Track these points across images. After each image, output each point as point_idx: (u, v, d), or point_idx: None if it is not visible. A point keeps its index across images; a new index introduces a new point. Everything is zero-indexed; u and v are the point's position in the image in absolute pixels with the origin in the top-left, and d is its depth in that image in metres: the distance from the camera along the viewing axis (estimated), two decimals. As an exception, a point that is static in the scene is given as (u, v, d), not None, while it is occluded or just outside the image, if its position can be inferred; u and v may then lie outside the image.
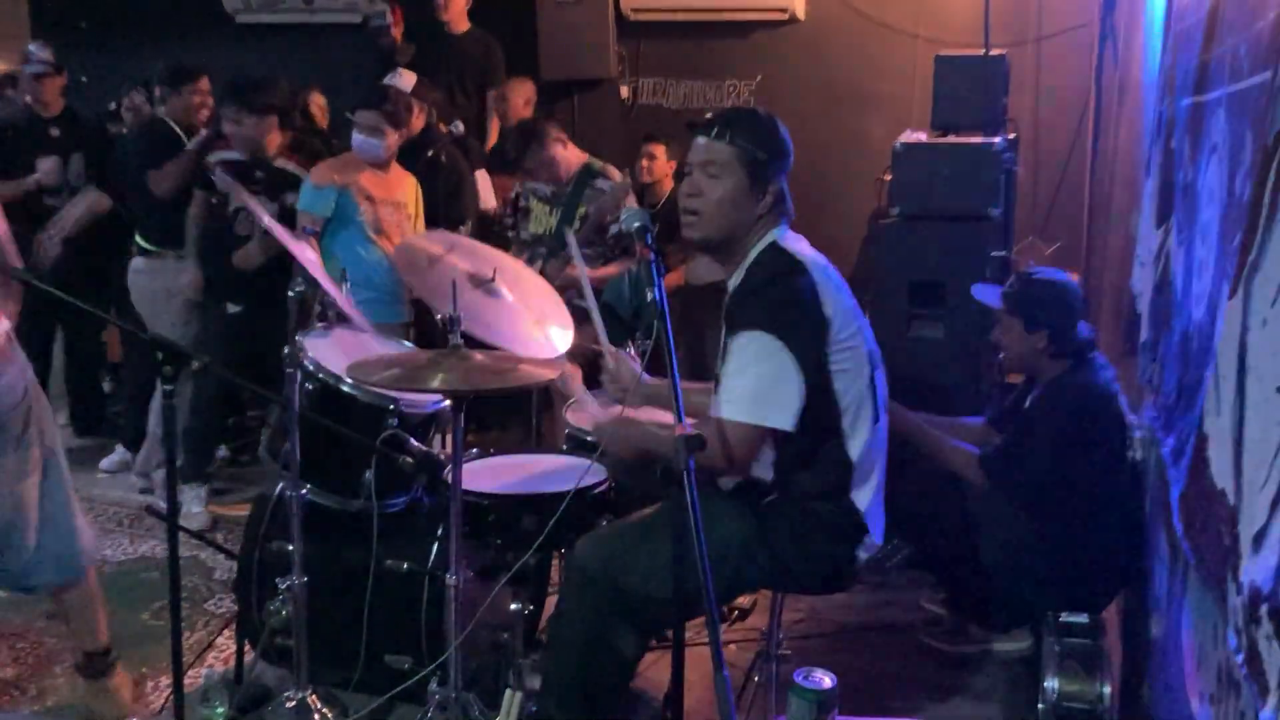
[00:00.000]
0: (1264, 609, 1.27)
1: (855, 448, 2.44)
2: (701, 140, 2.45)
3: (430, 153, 4.81)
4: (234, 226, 4.44)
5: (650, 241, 2.22)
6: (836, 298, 2.42)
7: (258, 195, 4.43)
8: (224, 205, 4.46)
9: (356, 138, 4.35)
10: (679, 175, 3.12)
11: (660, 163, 5.19)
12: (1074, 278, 3.35)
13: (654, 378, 2.73)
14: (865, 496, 2.47)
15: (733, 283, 2.50)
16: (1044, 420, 3.07)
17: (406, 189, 4.51)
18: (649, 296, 2.08)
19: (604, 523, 2.73)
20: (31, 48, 5.20)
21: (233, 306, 4.50)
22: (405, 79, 5.00)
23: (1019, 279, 3.23)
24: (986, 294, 3.38)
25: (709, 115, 2.52)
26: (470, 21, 5.78)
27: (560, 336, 2.82)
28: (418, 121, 4.85)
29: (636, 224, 2.25)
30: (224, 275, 4.48)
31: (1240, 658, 1.36)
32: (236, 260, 4.38)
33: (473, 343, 2.56)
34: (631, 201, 4.45)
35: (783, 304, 2.35)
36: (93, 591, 2.97)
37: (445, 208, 4.70)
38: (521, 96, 5.59)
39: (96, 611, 2.98)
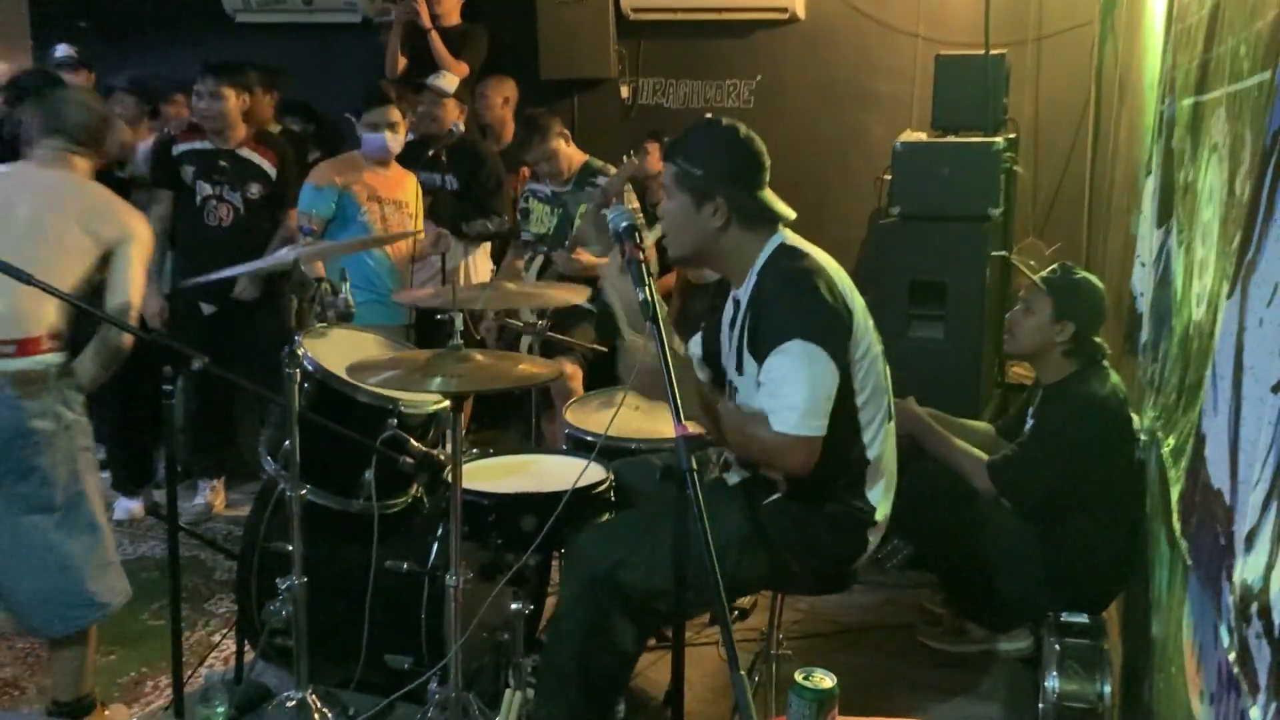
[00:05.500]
0: (1254, 607, 1.27)
1: (871, 444, 2.46)
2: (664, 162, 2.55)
3: (431, 153, 4.81)
4: (204, 218, 4.43)
5: (639, 241, 2.23)
6: (851, 296, 2.45)
7: (222, 184, 4.45)
8: (191, 199, 4.44)
9: (366, 136, 4.34)
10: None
11: (653, 158, 5.19)
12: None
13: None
14: (878, 492, 2.48)
15: (744, 293, 2.49)
16: (1054, 432, 3.05)
17: (407, 188, 4.51)
18: (640, 296, 2.09)
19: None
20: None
21: (207, 307, 4.49)
22: (448, 81, 4.97)
23: (1064, 268, 3.19)
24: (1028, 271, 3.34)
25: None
26: (469, 19, 5.76)
27: None
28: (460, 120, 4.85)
29: (624, 224, 2.25)
30: (198, 274, 4.48)
31: (1232, 656, 1.36)
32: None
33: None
34: (630, 197, 4.45)
35: (809, 306, 2.35)
36: (89, 647, 2.86)
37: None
38: (500, 95, 5.55)
39: (84, 667, 2.85)
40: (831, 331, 2.34)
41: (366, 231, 4.36)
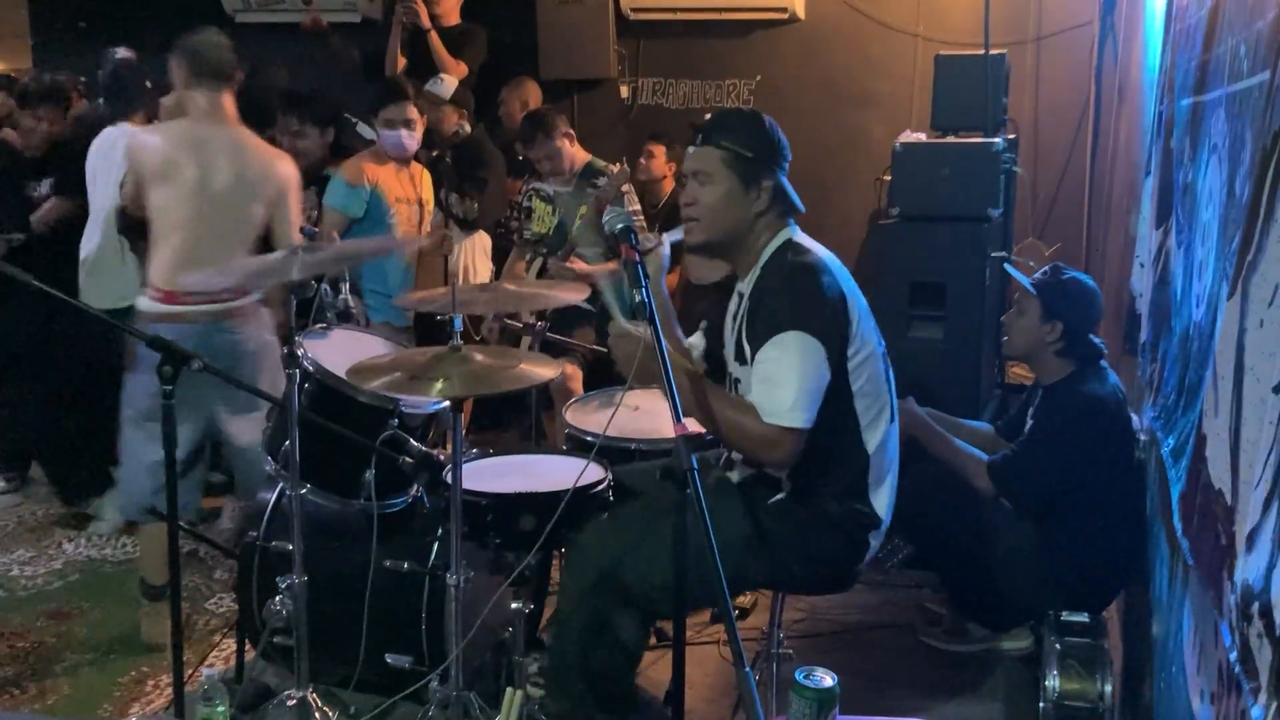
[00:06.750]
0: (1255, 607, 1.28)
1: (874, 446, 2.46)
2: (691, 149, 2.52)
3: (434, 153, 4.81)
4: None
5: (635, 242, 2.23)
6: (853, 295, 2.45)
7: (311, 212, 4.39)
8: None
9: (384, 133, 4.31)
10: (681, 177, 3.16)
11: (658, 161, 5.19)
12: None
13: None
14: (881, 495, 2.48)
15: (747, 285, 2.51)
16: (1054, 432, 3.06)
17: (423, 186, 4.51)
18: (637, 298, 2.09)
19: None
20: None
21: None
22: (445, 86, 4.93)
23: (1054, 269, 3.21)
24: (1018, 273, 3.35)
25: (697, 125, 2.55)
26: (469, 19, 5.76)
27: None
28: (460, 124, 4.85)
29: (620, 225, 2.25)
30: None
31: (1234, 655, 1.37)
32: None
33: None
34: (632, 199, 4.45)
35: (808, 300, 2.36)
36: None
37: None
38: (516, 100, 5.55)
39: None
40: (827, 325, 2.35)
41: (390, 233, 4.33)
